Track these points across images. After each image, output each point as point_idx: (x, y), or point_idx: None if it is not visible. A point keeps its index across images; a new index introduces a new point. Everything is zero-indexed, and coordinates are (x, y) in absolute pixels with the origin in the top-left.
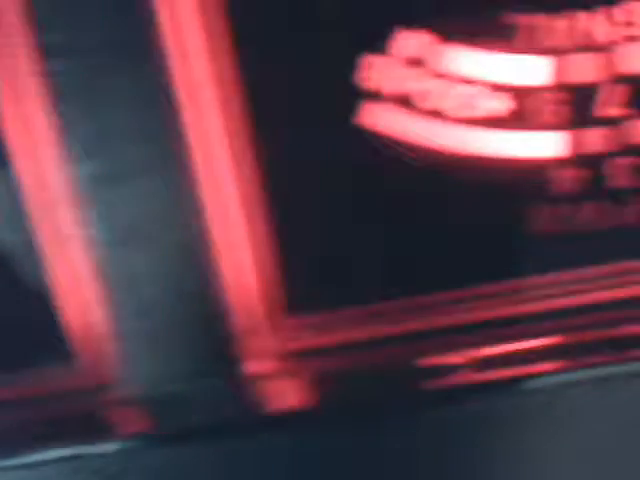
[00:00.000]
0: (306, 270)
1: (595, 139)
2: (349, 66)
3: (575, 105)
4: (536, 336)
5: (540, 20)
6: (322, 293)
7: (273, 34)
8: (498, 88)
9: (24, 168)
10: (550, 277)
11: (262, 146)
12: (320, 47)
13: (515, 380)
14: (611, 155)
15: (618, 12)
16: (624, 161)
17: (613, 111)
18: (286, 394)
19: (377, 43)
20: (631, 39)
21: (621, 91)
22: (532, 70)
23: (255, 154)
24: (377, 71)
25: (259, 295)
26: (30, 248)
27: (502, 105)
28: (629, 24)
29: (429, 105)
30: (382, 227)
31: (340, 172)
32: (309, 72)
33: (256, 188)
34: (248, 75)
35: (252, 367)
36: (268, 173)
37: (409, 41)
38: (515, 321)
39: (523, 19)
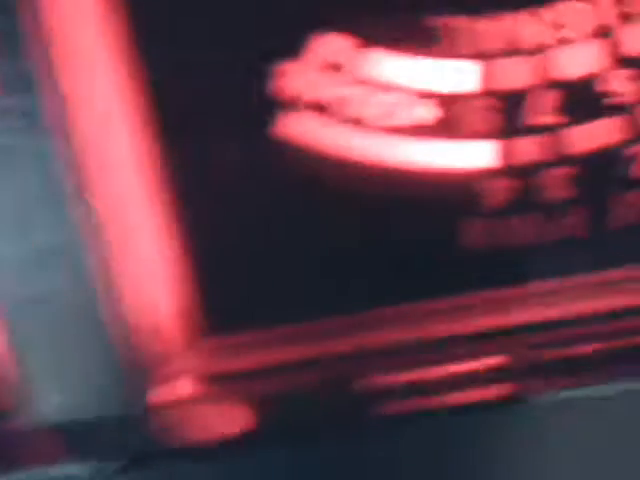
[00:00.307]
0: (226, 289)
1: (527, 148)
2: (264, 72)
3: (505, 112)
4: (473, 358)
5: (464, 23)
6: (244, 313)
7: (181, 40)
8: (423, 95)
9: None
10: (486, 295)
11: (172, 160)
12: (233, 53)
13: (457, 406)
14: (545, 165)
15: (547, 13)
16: (559, 171)
17: (546, 119)
18: (211, 421)
19: (293, 48)
20: (562, 42)
21: (554, 97)
22: (458, 76)
23: (165, 168)
24: (293, 78)
25: (175, 316)
26: None
27: (427, 113)
28: (559, 26)
29: (350, 114)
30: (305, 243)
31: (258, 186)
32: (221, 80)
33: (169, 204)
34: (154, 86)
35: (170, 393)
36: (181, 189)
37: (326, 46)
38: (452, 341)
39: (447, 22)
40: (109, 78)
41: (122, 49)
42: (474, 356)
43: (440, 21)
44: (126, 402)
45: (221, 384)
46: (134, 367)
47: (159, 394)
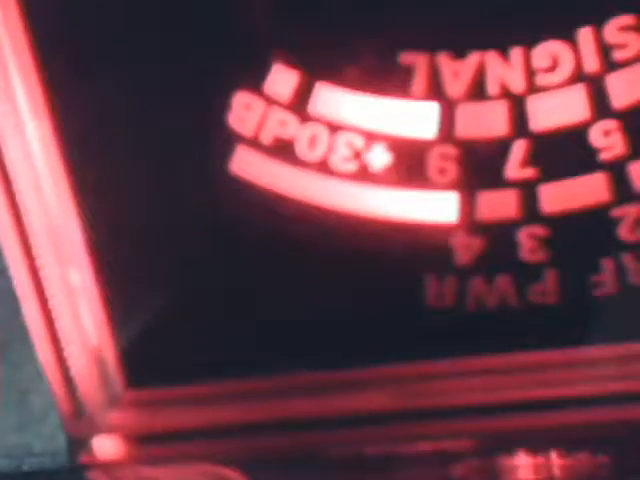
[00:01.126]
0: (148, 344)
1: (498, 204)
2: (220, 107)
3: (478, 163)
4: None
5: (442, 61)
6: (171, 368)
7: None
8: (389, 139)
9: None
10: (447, 365)
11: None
12: (187, 84)
13: None
14: (517, 224)
15: (520, 55)
16: (533, 231)
17: (521, 172)
18: None
19: (253, 81)
20: (538, 88)
21: (531, 150)
22: (430, 120)
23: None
24: (252, 113)
25: (95, 372)
26: None
27: (392, 159)
28: (534, 70)
29: (310, 155)
30: (247, 293)
31: (204, 229)
32: (173, 113)
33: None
34: (94, 118)
35: (96, 451)
36: (106, 228)
37: (289, 80)
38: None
39: (422, 59)
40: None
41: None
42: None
43: (403, 59)
44: (53, 457)
45: (147, 444)
46: (64, 423)
47: (88, 452)
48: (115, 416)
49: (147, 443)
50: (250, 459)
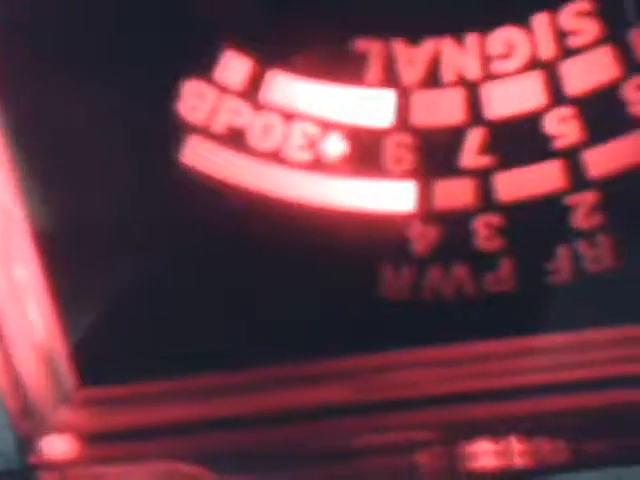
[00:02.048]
0: (102, 340)
1: (455, 192)
2: (168, 94)
3: (434, 152)
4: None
5: (396, 48)
6: (123, 366)
7: (74, 56)
8: (344, 128)
9: None
10: (406, 356)
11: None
12: (134, 71)
13: None
14: (473, 212)
15: (475, 41)
16: (489, 220)
17: (477, 161)
18: None
19: (204, 69)
20: (493, 75)
21: (487, 138)
22: (385, 108)
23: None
24: (203, 102)
25: (46, 371)
26: None
27: (348, 148)
28: (490, 57)
29: (263, 144)
30: (199, 287)
31: (154, 222)
32: (119, 101)
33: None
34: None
35: (49, 452)
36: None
37: (240, 68)
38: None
39: (376, 46)
40: None
41: None
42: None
43: (370, 46)
44: (6, 459)
45: (100, 443)
46: (13, 423)
47: (38, 452)
48: (66, 415)
49: (100, 442)
50: (215, 455)
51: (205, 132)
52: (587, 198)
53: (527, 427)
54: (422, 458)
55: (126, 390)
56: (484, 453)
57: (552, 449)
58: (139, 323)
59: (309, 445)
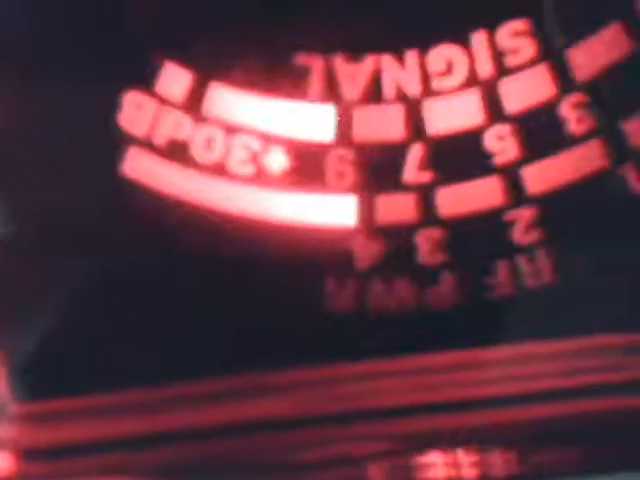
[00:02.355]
0: (45, 349)
1: (395, 207)
2: (110, 105)
3: (376, 167)
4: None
5: (337, 64)
6: (65, 378)
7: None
8: (286, 142)
9: None
10: (350, 369)
11: None
12: (74, 83)
13: None
14: (415, 227)
15: (415, 58)
16: (431, 234)
17: (418, 176)
18: None
19: (145, 80)
20: (433, 91)
21: (428, 154)
22: (326, 123)
23: None
24: (143, 113)
25: None
26: None
27: (290, 162)
28: (430, 74)
29: (205, 157)
30: (141, 300)
31: (94, 234)
32: (59, 112)
33: None
34: None
35: None
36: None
37: (181, 81)
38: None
39: (318, 61)
40: None
41: None
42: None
43: (312, 60)
44: None
45: (39, 460)
46: None
47: None
48: (3, 431)
49: (39, 458)
50: (156, 469)
51: (146, 144)
52: (526, 214)
53: (476, 439)
54: (372, 471)
55: (65, 405)
56: (436, 465)
57: (502, 460)
58: (76, 337)
59: (253, 459)
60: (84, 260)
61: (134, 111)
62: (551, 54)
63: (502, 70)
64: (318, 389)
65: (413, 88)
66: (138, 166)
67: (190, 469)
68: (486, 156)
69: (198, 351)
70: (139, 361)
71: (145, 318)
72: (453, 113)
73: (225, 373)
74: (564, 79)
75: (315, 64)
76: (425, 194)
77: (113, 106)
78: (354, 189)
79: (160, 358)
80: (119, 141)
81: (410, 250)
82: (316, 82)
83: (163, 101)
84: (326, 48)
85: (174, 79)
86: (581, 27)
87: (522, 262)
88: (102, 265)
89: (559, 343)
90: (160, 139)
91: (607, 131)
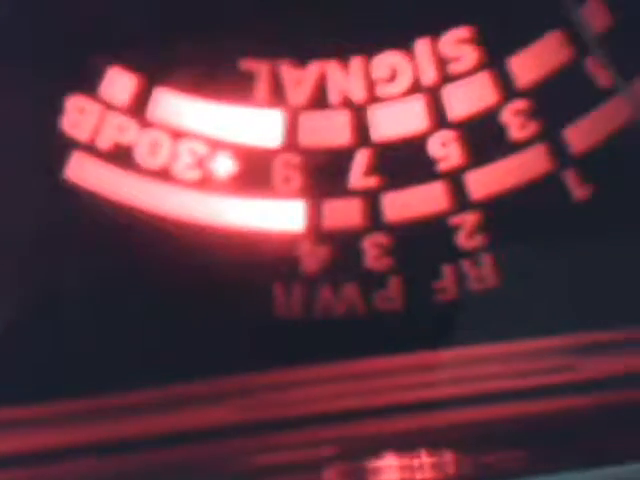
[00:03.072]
0: None
1: (344, 212)
2: (52, 109)
3: (322, 172)
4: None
5: (283, 69)
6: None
7: None
8: (233, 147)
9: None
10: (300, 373)
11: None
12: (18, 86)
13: None
14: (362, 232)
15: (360, 64)
16: (376, 239)
17: (364, 181)
18: None
19: (88, 84)
20: (384, 99)
21: (373, 159)
22: (273, 128)
23: None
24: (87, 118)
25: None
26: None
27: (237, 168)
28: (387, 80)
29: (151, 162)
30: (81, 307)
31: (39, 239)
32: (2, 116)
33: None
34: None
35: None
36: None
37: (126, 84)
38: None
39: (264, 66)
40: None
41: None
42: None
43: (257, 65)
44: None
45: None
46: None
47: None
48: None
49: None
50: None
51: (90, 149)
52: (470, 219)
53: (426, 441)
54: (326, 475)
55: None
56: (390, 468)
57: (453, 462)
58: (10, 345)
59: (203, 467)
60: (26, 265)
61: (77, 115)
62: (493, 62)
63: (445, 77)
64: (267, 395)
65: (358, 94)
66: (82, 171)
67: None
68: (430, 162)
69: (141, 359)
70: (81, 371)
71: (83, 325)
72: (398, 119)
73: (170, 381)
74: (506, 86)
75: (261, 69)
76: (371, 199)
77: (56, 110)
78: (301, 194)
79: (102, 367)
80: (62, 146)
81: (357, 255)
82: (262, 87)
83: (107, 105)
84: (272, 53)
85: (118, 83)
86: (522, 35)
87: (467, 266)
88: (44, 270)
89: (506, 345)
90: (104, 144)
91: (549, 137)
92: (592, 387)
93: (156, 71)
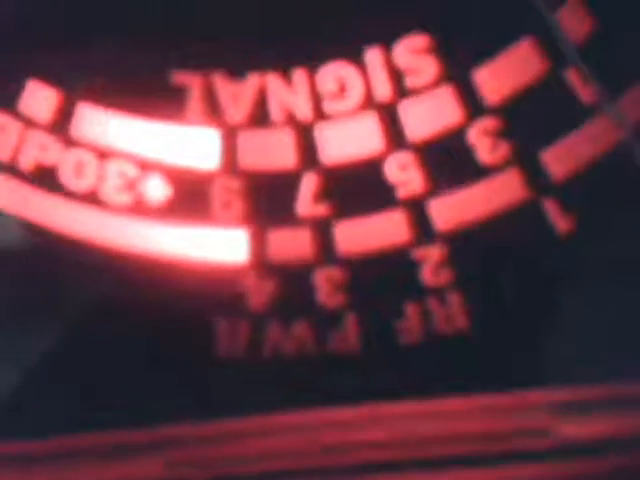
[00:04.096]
0: None
1: (292, 243)
2: None
3: (266, 197)
4: None
5: (217, 82)
6: None
7: None
8: (166, 169)
9: None
10: (239, 424)
11: None
12: None
13: None
14: (312, 265)
15: (303, 77)
16: (328, 273)
17: (313, 209)
18: None
19: (7, 100)
20: (333, 117)
21: (323, 184)
22: (209, 149)
23: None
24: (7, 136)
25: None
26: None
27: (171, 191)
28: (335, 95)
29: (76, 184)
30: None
31: None
32: None
33: None
34: None
35: None
36: None
37: (47, 100)
38: None
39: (197, 79)
40: None
41: None
42: None
43: (191, 79)
44: None
45: None
46: None
47: None
48: None
49: None
50: None
51: (11, 169)
52: (434, 252)
53: None
54: None
55: None
56: None
57: None
58: None
59: None
60: None
61: (1, 132)
62: (456, 75)
63: (402, 92)
64: (200, 449)
65: (303, 111)
66: (3, 192)
67: None
68: (387, 187)
69: (66, 404)
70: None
71: (11, 362)
72: (349, 139)
73: (96, 429)
74: (472, 102)
75: (193, 83)
76: (321, 229)
77: None
78: (243, 222)
79: (19, 412)
80: None
81: (308, 290)
82: (195, 103)
83: (27, 122)
84: (205, 65)
85: (39, 98)
86: (490, 44)
87: (432, 305)
88: None
89: (475, 399)
90: (26, 164)
91: (523, 161)
92: (572, 453)
93: (79, 85)
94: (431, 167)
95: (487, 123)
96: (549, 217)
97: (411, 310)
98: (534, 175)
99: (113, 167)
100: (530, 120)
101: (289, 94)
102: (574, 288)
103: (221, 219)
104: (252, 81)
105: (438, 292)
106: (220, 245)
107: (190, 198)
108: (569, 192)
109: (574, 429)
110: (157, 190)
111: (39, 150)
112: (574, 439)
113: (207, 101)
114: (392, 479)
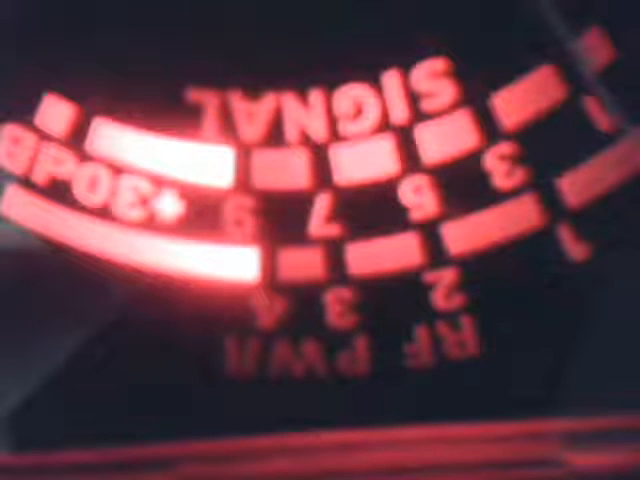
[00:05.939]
0: None
1: (303, 262)
2: None
3: (279, 217)
4: None
5: (233, 100)
6: None
7: None
8: (180, 186)
9: None
10: (249, 444)
11: None
12: None
13: None
14: (323, 285)
15: (320, 98)
16: (339, 294)
17: (326, 229)
18: None
19: (23, 113)
20: (348, 138)
21: (336, 205)
22: (223, 167)
23: None
24: (22, 149)
25: None
26: None
27: (184, 208)
28: (351, 117)
29: (90, 198)
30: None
31: None
32: None
33: None
34: None
35: None
36: None
37: (63, 114)
38: None
39: (212, 97)
40: None
41: None
42: None
43: (206, 96)
44: None
45: None
46: None
47: None
48: None
49: None
50: None
51: (25, 182)
52: (447, 276)
53: None
54: None
55: None
56: None
57: None
58: None
59: None
60: None
61: (12, 146)
62: (474, 98)
63: (418, 115)
64: (205, 466)
65: (318, 131)
66: (17, 206)
67: None
68: (401, 210)
69: (72, 420)
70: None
71: (7, 381)
72: (363, 161)
73: (102, 445)
74: (489, 127)
75: (209, 100)
76: (334, 249)
77: None
78: (255, 240)
79: (25, 425)
80: None
81: (318, 310)
82: (211, 121)
83: (43, 135)
84: (221, 83)
85: (55, 112)
86: (508, 68)
87: (443, 329)
88: None
89: (486, 426)
90: (40, 177)
91: (539, 187)
92: None
93: (95, 100)
94: (446, 191)
95: (503, 148)
96: (564, 244)
97: (422, 333)
98: (549, 201)
99: (127, 182)
100: (547, 146)
101: (305, 114)
102: (588, 316)
103: (233, 237)
104: (268, 100)
105: (450, 316)
106: (231, 263)
107: (203, 215)
108: (584, 219)
109: (587, 459)
110: (170, 206)
111: (54, 164)
112: (587, 469)
113: (223, 119)
114: None
